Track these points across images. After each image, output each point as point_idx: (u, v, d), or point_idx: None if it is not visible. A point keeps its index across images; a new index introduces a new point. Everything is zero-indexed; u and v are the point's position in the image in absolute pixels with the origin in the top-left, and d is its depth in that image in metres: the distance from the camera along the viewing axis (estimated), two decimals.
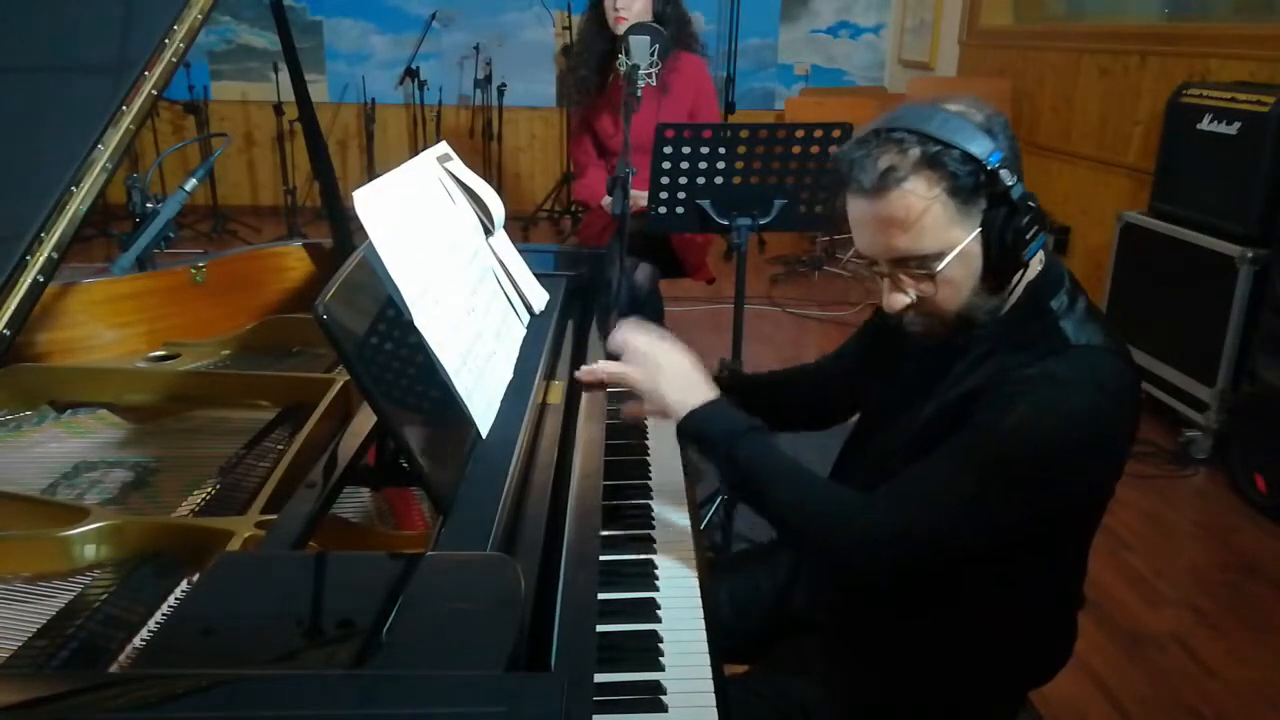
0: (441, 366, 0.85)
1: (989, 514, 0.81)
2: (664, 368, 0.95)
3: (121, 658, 0.70)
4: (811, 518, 0.86)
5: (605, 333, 1.27)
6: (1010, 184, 0.79)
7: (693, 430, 0.92)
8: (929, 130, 0.79)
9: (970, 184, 0.79)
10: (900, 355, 0.95)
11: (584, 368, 1.08)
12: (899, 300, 0.84)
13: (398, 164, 0.95)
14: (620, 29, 2.07)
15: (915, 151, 0.79)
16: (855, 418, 1.08)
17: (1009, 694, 0.98)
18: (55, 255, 0.87)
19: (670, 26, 2.23)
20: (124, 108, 0.95)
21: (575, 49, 2.38)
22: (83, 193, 0.90)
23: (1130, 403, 0.83)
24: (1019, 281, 0.85)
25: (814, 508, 0.86)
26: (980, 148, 0.79)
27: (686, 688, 0.77)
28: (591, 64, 2.22)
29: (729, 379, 1.14)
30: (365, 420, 0.92)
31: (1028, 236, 0.80)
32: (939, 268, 0.81)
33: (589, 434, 1.00)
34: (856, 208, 0.83)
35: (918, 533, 0.81)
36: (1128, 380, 0.83)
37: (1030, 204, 0.80)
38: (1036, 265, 0.88)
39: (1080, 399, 0.79)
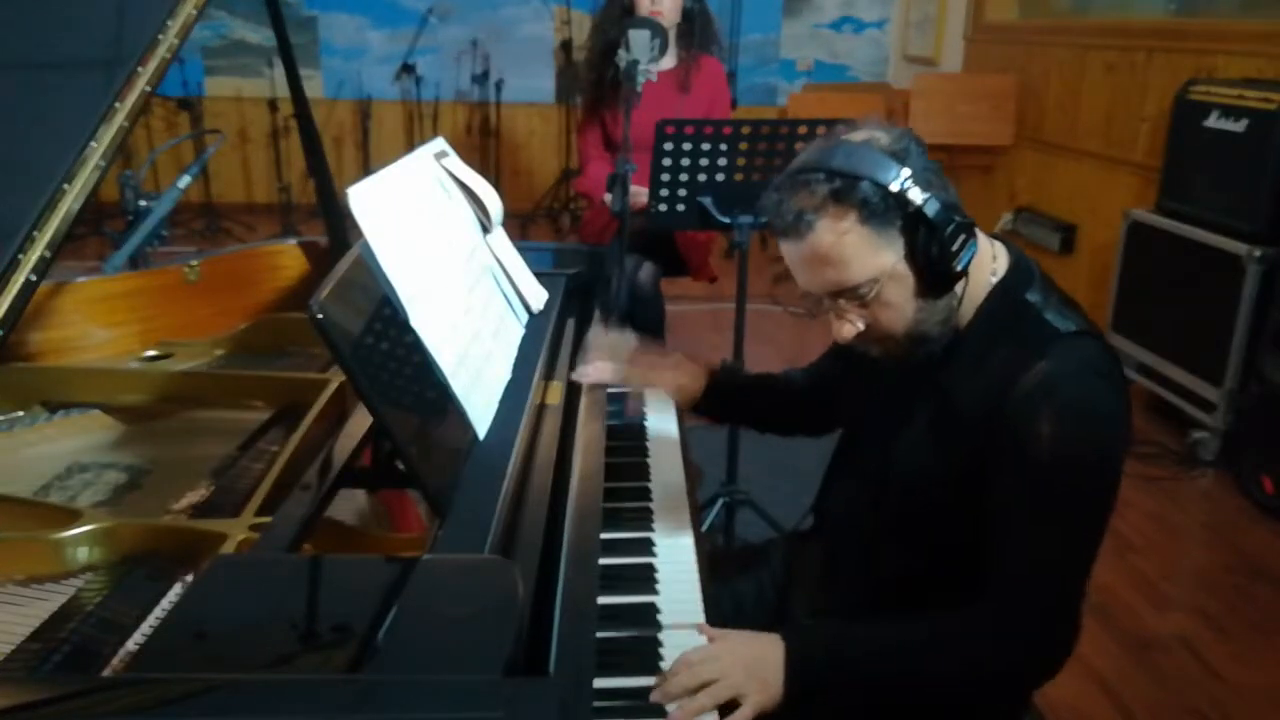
0: (438, 366, 0.84)
1: (1086, 532, 0.84)
2: (731, 672, 0.80)
3: (115, 661, 0.69)
4: (963, 663, 0.85)
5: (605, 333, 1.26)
6: (921, 201, 0.81)
7: (801, 690, 0.83)
8: (833, 165, 0.81)
9: (881, 209, 0.81)
10: (877, 367, 0.95)
11: (580, 370, 1.08)
12: (847, 330, 0.87)
13: (394, 161, 0.94)
14: (659, 23, 2.05)
15: (822, 190, 0.81)
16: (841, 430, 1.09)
17: (1011, 694, 0.97)
18: (48, 254, 0.86)
19: (696, 26, 2.22)
20: (117, 104, 0.94)
21: (588, 40, 2.37)
22: (75, 190, 0.89)
23: (1120, 377, 0.87)
24: (964, 288, 0.87)
25: (956, 655, 0.85)
26: (885, 172, 0.81)
27: None
28: (604, 56, 2.20)
29: (717, 373, 1.14)
30: (361, 421, 0.91)
31: (954, 247, 0.82)
32: (871, 294, 0.84)
33: (588, 435, 1.00)
34: (784, 250, 0.86)
35: (1051, 593, 0.84)
36: (1111, 358, 0.87)
37: (953, 215, 0.82)
38: (1003, 263, 0.90)
39: (1083, 390, 0.83)
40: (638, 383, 1.12)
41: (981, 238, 0.88)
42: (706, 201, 1.72)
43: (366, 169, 4.62)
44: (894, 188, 0.80)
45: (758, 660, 0.82)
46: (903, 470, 0.92)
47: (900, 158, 0.82)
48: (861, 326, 0.86)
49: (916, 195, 0.81)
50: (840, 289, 0.84)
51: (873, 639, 0.86)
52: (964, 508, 0.87)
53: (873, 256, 0.82)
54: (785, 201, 0.83)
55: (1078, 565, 0.84)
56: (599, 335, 1.19)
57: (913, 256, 0.83)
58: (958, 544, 0.89)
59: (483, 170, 1.33)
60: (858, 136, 0.84)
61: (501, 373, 0.98)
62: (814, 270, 0.85)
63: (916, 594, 0.92)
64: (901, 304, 0.85)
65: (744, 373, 1.22)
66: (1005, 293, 0.88)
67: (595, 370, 1.12)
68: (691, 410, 1.17)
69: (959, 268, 0.83)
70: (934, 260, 0.82)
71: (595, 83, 2.24)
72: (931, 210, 0.81)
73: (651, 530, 0.99)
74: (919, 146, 0.84)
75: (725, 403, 1.17)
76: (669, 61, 2.23)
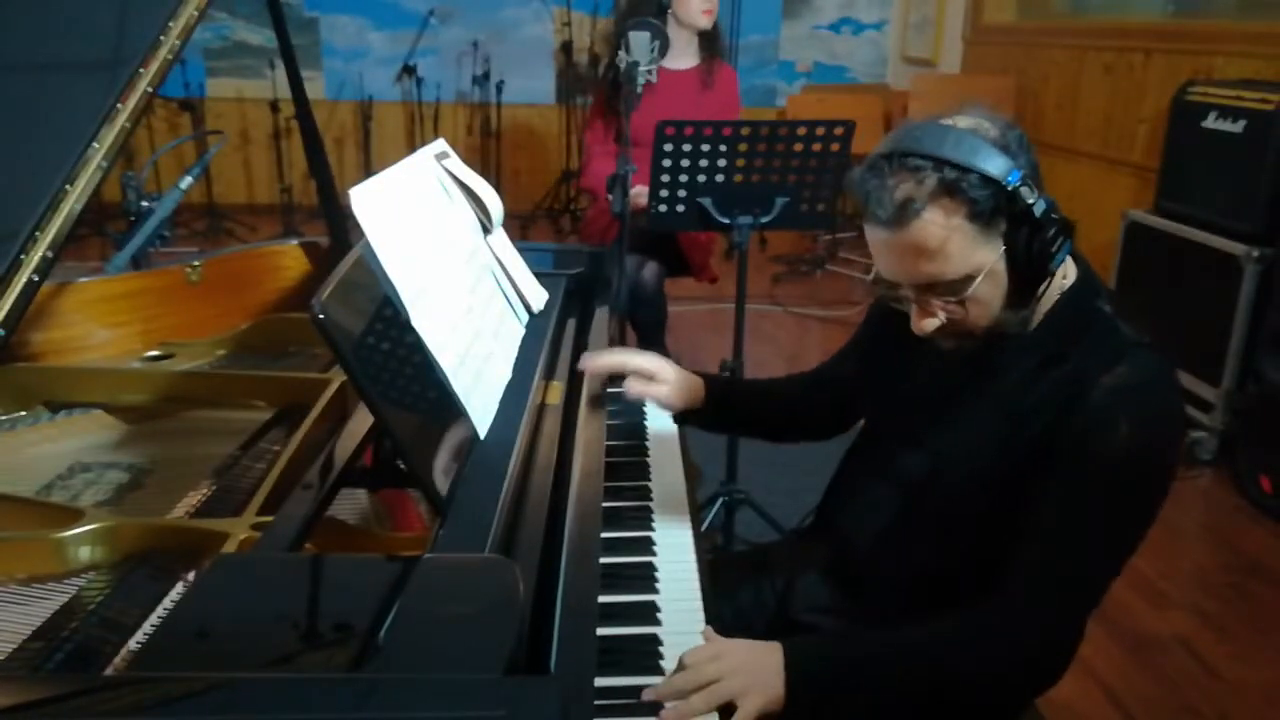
0: (439, 366, 0.84)
1: (1128, 537, 0.83)
2: (731, 673, 0.78)
3: (117, 660, 0.69)
4: (977, 662, 0.83)
5: (608, 332, 1.26)
6: (1031, 201, 0.79)
7: (803, 694, 0.81)
8: (944, 154, 0.78)
9: (990, 207, 0.79)
10: (912, 355, 0.94)
11: (586, 359, 1.07)
12: (930, 324, 0.85)
13: (395, 162, 0.94)
14: (706, 23, 2.23)
15: (931, 180, 0.78)
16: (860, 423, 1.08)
17: (1018, 695, 0.97)
18: (50, 254, 0.87)
19: (717, 34, 2.35)
20: (119, 105, 0.95)
21: (605, 35, 2.47)
22: (77, 191, 0.90)
23: (1181, 392, 0.87)
24: (1045, 288, 0.85)
25: (971, 654, 0.82)
26: (998, 167, 0.78)
27: None
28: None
29: (717, 387, 1.13)
30: (362, 421, 0.91)
31: (1053, 249, 0.80)
32: (968, 292, 0.81)
33: (589, 435, 1.00)
34: (876, 236, 0.83)
35: (1078, 592, 0.83)
36: (1174, 371, 0.86)
37: (1053, 215, 0.80)
38: (1073, 271, 0.88)
39: (1163, 400, 0.82)
40: (638, 392, 1.09)
41: None
42: (706, 202, 1.73)
43: (368, 170, 4.63)
44: (1007, 185, 0.77)
45: (758, 664, 0.80)
46: (955, 473, 0.90)
47: (1010, 152, 0.79)
48: (943, 319, 0.84)
49: (1027, 194, 0.78)
50: (934, 282, 0.81)
51: (877, 641, 0.84)
52: (1009, 512, 0.85)
53: (974, 253, 0.79)
54: (888, 188, 0.79)
55: (1109, 567, 0.82)
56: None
57: (1012, 255, 0.80)
58: (990, 547, 0.87)
59: (483, 171, 1.34)
60: (964, 123, 0.81)
61: (502, 373, 0.99)
62: (908, 261, 0.81)
63: (929, 594, 0.92)
64: (991, 301, 0.82)
65: (741, 380, 1.20)
66: (1076, 300, 0.86)
67: (605, 359, 1.09)
68: (693, 423, 1.16)
69: (1053, 267, 0.81)
70: (1033, 261, 0.80)
71: (613, 80, 2.28)
72: (1039, 210, 0.78)
73: (651, 529, 0.99)
74: (1023, 139, 0.81)
75: (724, 413, 1.15)
76: (690, 61, 2.31)
